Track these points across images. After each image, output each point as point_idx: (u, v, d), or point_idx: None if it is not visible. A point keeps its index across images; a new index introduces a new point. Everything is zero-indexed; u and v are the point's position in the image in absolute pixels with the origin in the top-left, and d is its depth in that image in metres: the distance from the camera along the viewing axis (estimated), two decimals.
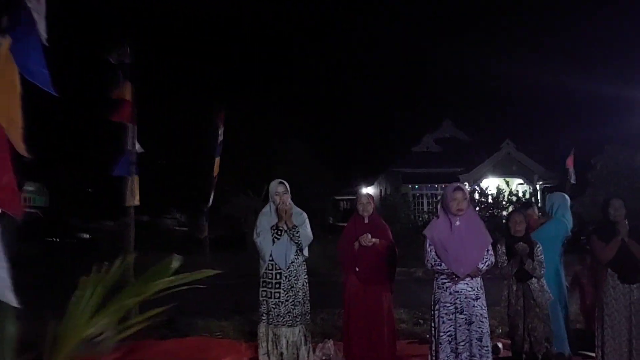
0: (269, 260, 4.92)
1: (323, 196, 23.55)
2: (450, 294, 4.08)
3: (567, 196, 5.75)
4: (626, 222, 4.54)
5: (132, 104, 6.43)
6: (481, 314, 4.05)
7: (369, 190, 32.31)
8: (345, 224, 5.42)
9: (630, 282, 4.49)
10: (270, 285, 4.90)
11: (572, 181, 13.84)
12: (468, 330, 4.02)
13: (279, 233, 4.91)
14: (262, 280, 4.97)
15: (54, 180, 25.33)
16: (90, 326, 2.53)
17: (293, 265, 4.92)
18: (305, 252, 5.06)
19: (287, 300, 4.86)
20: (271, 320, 4.86)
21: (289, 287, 4.88)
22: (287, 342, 4.86)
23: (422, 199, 27.42)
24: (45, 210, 22.79)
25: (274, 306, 4.86)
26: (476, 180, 24.94)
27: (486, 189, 19.12)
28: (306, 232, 5.00)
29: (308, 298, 5.01)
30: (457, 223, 4.12)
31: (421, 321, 7.02)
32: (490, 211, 18.02)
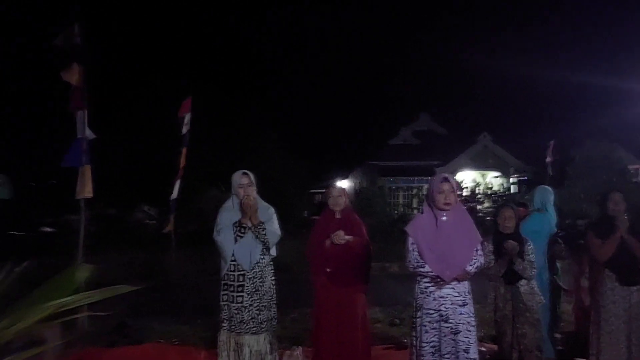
0: (231, 261, 4.39)
1: (297, 189, 22.98)
2: (434, 299, 3.61)
3: (551, 189, 5.40)
4: (626, 218, 4.13)
5: (81, 89, 5.88)
6: (468, 322, 3.59)
7: (344, 183, 31.93)
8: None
9: (630, 284, 4.08)
10: (232, 289, 4.38)
11: (550, 173, 13.63)
12: (454, 340, 3.55)
13: (242, 230, 4.38)
14: (223, 282, 4.44)
15: (16, 172, 24.35)
16: None
17: (258, 266, 4.40)
18: (273, 252, 4.55)
19: (251, 305, 4.33)
20: (233, 327, 4.34)
21: (254, 290, 4.36)
22: (251, 351, 4.33)
23: (397, 192, 27.16)
24: (8, 203, 21.82)
25: (236, 311, 4.34)
26: (452, 173, 24.72)
27: (461, 182, 18.85)
28: (273, 228, 4.49)
29: (275, 302, 4.50)
30: (444, 219, 3.65)
31: (397, 321, 6.62)
32: (466, 205, 17.74)
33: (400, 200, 26.05)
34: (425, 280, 3.67)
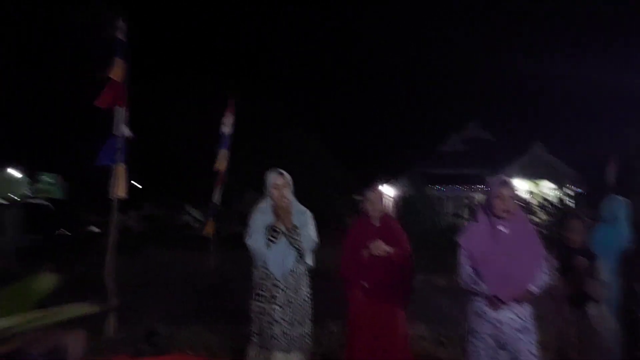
0: (263, 268, 4.03)
1: (341, 194, 22.56)
2: (490, 323, 3.14)
3: (625, 199, 4.80)
4: None
5: (122, 85, 5.68)
6: (530, 351, 3.10)
7: (389, 189, 31.32)
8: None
9: None
10: (263, 299, 4.00)
11: (611, 185, 12.75)
12: None
13: (275, 235, 4.01)
14: (255, 292, 4.08)
15: (69, 172, 24.87)
16: None
17: (292, 276, 4.01)
18: (309, 260, 4.15)
19: (282, 319, 3.94)
20: (263, 342, 3.96)
21: (286, 302, 3.97)
22: None
23: (445, 201, 26.46)
24: (62, 202, 22.24)
25: (267, 325, 3.95)
26: None
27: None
28: (309, 234, 4.10)
29: (309, 317, 4.09)
30: (502, 229, 3.17)
31: (444, 340, 6.06)
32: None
33: (449, 210, 25.38)
34: (479, 299, 3.21)
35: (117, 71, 5.55)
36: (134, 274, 10.02)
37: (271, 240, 3.99)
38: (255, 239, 4.02)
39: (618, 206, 4.68)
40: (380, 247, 3.95)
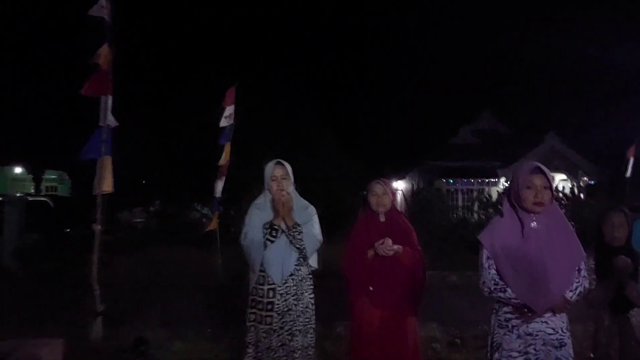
0: (260, 272, 3.59)
1: (353, 189, 22.08)
2: (520, 337, 2.67)
3: None
4: None
5: (108, 73, 5.27)
6: None
7: (400, 183, 30.85)
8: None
9: None
10: (260, 306, 3.57)
11: (629, 174, 12.19)
12: None
13: (274, 233, 3.57)
14: (250, 298, 3.65)
15: (73, 168, 24.58)
16: None
17: (292, 280, 3.58)
18: (313, 262, 3.73)
19: (281, 329, 3.52)
20: (260, 354, 3.53)
21: (286, 309, 3.54)
22: None
23: (456, 194, 26.01)
24: (65, 200, 22.00)
25: (264, 335, 3.53)
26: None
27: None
28: (313, 232, 3.66)
29: (313, 325, 3.66)
30: (534, 225, 2.70)
31: (458, 341, 5.68)
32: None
33: (459, 203, 24.94)
34: (506, 309, 2.74)
35: (103, 57, 5.14)
36: (135, 274, 9.68)
37: (269, 240, 3.56)
38: (251, 239, 3.59)
39: None
40: (387, 246, 3.50)
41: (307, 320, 3.61)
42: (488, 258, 2.76)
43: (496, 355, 2.74)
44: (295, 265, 3.60)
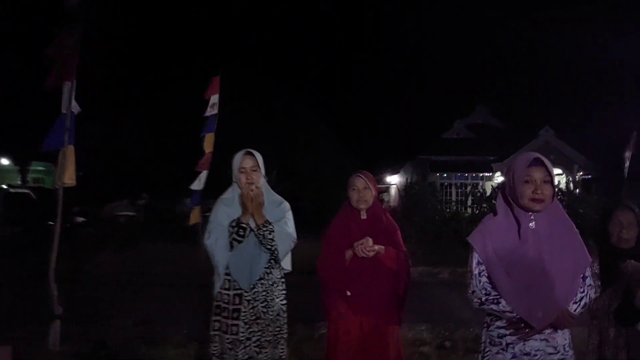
0: (225, 275, 3.21)
1: (345, 185, 21.69)
2: (515, 357, 2.30)
3: None
4: None
5: (73, 57, 4.88)
6: None
7: (394, 178, 30.52)
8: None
9: None
10: (225, 314, 3.19)
11: (626, 169, 11.85)
12: None
13: (241, 232, 3.19)
14: (215, 304, 3.27)
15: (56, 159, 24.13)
16: None
17: (262, 285, 3.20)
18: (286, 265, 3.35)
19: (249, 339, 3.14)
20: None
21: (254, 318, 3.16)
22: None
23: (450, 188, 25.79)
24: (50, 192, 21.56)
25: (230, 346, 3.15)
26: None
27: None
28: (286, 231, 3.28)
29: (284, 336, 3.29)
30: (532, 225, 2.33)
31: (448, 343, 5.39)
32: None
33: (453, 198, 24.72)
34: (499, 324, 2.36)
35: (62, 43, 4.74)
36: (115, 270, 9.32)
37: (236, 240, 3.17)
38: (216, 238, 3.21)
39: None
40: (368, 246, 3.14)
41: (277, 329, 3.24)
42: (479, 263, 2.38)
43: None
44: (265, 268, 3.22)
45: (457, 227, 15.23)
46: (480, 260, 2.37)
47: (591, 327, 2.97)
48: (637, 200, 3.25)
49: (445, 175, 25.91)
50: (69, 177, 4.68)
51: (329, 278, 3.27)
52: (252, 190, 3.17)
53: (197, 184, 8.97)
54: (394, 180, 30.59)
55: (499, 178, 24.40)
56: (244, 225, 3.18)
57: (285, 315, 3.29)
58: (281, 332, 3.25)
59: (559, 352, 2.27)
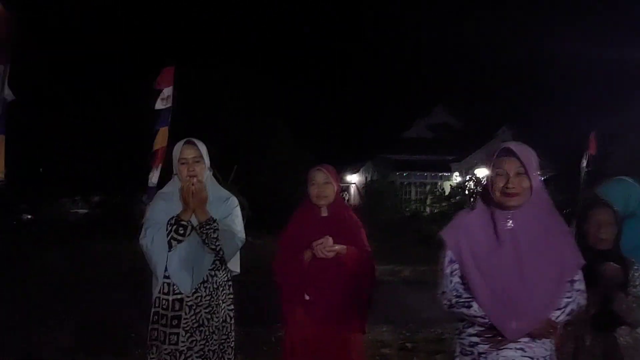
0: (164, 279, 2.86)
1: (304, 184, 21.33)
2: None
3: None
4: None
5: (5, 38, 4.41)
6: None
7: (353, 177, 30.42)
8: None
9: None
10: (164, 321, 2.84)
11: (585, 171, 11.92)
12: None
13: (181, 231, 2.83)
14: (153, 311, 2.91)
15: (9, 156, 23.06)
16: None
17: (206, 289, 2.86)
18: (234, 266, 3.02)
19: (190, 349, 2.80)
20: None
21: (196, 325, 2.82)
22: None
23: (409, 187, 25.88)
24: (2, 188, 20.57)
25: (168, 358, 2.79)
26: (468, 170, 23.35)
27: (483, 178, 17.26)
28: (233, 229, 2.94)
29: (232, 345, 2.96)
30: (510, 225, 2.08)
31: (409, 345, 5.25)
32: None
33: (412, 197, 24.81)
34: (471, 331, 2.11)
35: None
36: (59, 270, 8.79)
37: (175, 239, 2.82)
38: (152, 238, 2.85)
39: (630, 192, 3.59)
40: (327, 246, 2.83)
41: (224, 338, 2.90)
42: (451, 261, 2.14)
43: None
44: (210, 270, 2.88)
45: (417, 225, 15.22)
46: (452, 258, 2.13)
47: (565, 334, 2.73)
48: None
49: (405, 174, 25.96)
50: None
51: (286, 281, 2.96)
52: (193, 184, 2.83)
53: (152, 180, 8.51)
54: (353, 179, 30.50)
55: (457, 178, 24.59)
56: (184, 223, 2.83)
57: (232, 322, 2.96)
58: (228, 340, 2.92)
59: None
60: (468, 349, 2.11)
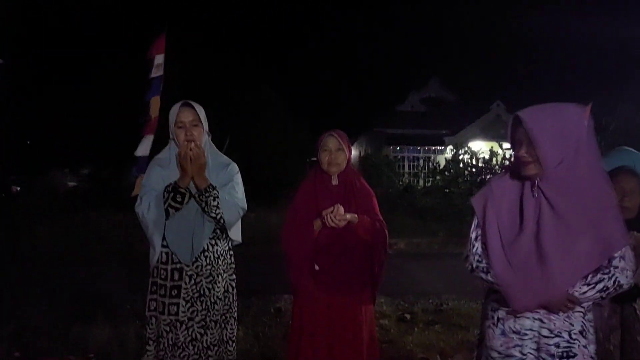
0: (162, 248, 2.73)
1: (297, 155, 21.13)
2: (503, 334, 1.98)
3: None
4: None
5: None
6: None
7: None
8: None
9: None
10: (163, 291, 2.72)
11: None
12: None
13: (179, 198, 2.69)
14: (151, 281, 2.78)
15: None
16: None
17: (206, 258, 2.73)
18: (235, 234, 2.89)
19: (191, 320, 2.69)
20: (162, 352, 2.70)
21: (197, 295, 2.70)
22: None
23: (403, 161, 25.75)
24: None
25: (168, 329, 2.69)
26: (462, 144, 23.27)
27: (478, 151, 17.17)
28: (233, 197, 2.80)
29: (234, 315, 2.85)
30: (535, 195, 1.95)
31: (407, 316, 5.17)
32: (482, 177, 16.11)
33: (406, 170, 24.69)
34: (494, 296, 2.06)
35: None
36: (50, 244, 8.65)
37: (172, 207, 2.68)
38: (148, 206, 2.71)
39: (636, 161, 3.47)
40: (338, 215, 2.70)
41: (226, 308, 2.79)
42: (477, 226, 2.07)
43: (479, 350, 2.12)
44: (210, 239, 2.75)
45: (411, 199, 15.16)
46: (479, 222, 2.06)
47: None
48: None
49: (398, 148, 25.79)
50: None
51: (295, 251, 2.81)
52: (191, 149, 2.67)
53: (143, 150, 8.30)
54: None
55: (451, 152, 24.53)
56: (182, 190, 2.68)
57: (234, 292, 2.85)
58: (230, 310, 2.81)
59: (561, 336, 1.91)
60: (490, 312, 2.07)
